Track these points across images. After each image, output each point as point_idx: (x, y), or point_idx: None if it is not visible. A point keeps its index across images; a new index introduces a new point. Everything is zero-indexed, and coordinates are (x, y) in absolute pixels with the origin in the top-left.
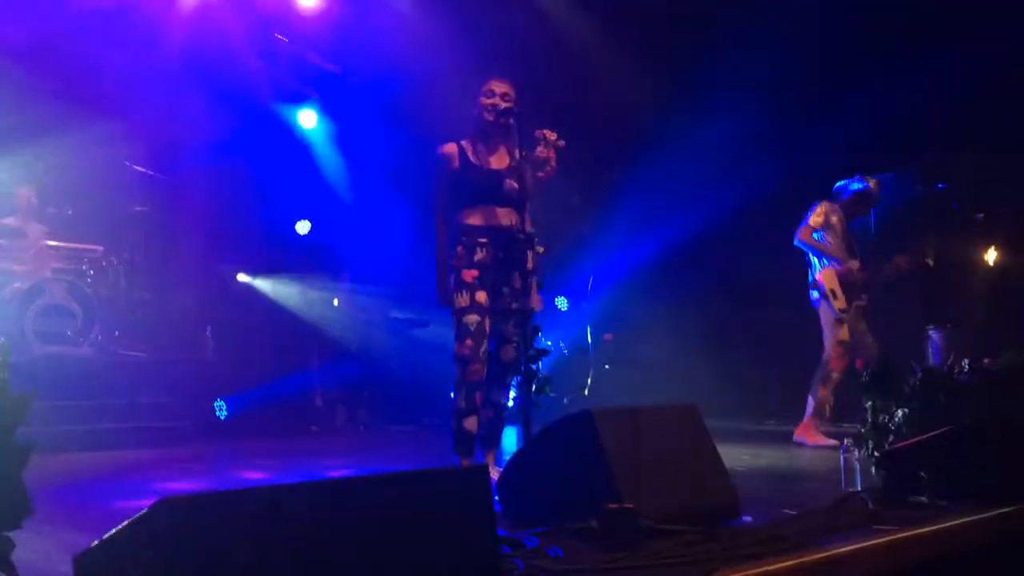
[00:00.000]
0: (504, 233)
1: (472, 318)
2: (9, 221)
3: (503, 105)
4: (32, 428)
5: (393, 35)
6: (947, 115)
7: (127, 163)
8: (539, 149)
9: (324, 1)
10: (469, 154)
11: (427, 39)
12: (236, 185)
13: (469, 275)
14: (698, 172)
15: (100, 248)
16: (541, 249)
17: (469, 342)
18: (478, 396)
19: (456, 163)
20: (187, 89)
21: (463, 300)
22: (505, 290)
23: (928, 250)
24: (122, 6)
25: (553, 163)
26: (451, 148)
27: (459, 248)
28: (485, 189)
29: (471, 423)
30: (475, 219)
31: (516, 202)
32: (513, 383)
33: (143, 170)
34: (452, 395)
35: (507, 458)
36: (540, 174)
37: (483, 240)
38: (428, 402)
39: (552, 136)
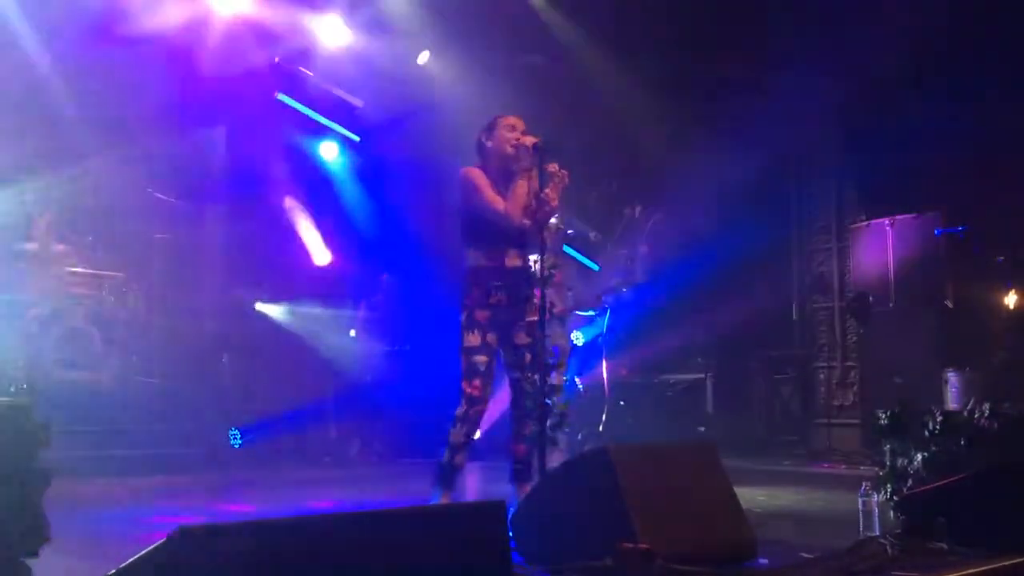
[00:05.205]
0: (515, 274)
1: (482, 359)
2: (30, 246)
3: (529, 141)
4: (50, 453)
5: (415, 70)
6: (968, 157)
7: (150, 190)
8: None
9: (348, 37)
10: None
11: (448, 74)
12: (256, 214)
13: (482, 315)
14: (712, 210)
15: (120, 274)
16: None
17: (478, 382)
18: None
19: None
20: (210, 118)
21: (474, 339)
22: (519, 326)
23: (948, 292)
24: (148, 36)
25: (554, 200)
26: (479, 170)
27: (474, 290)
28: (500, 230)
29: (461, 459)
30: (487, 262)
31: (527, 245)
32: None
33: (165, 198)
34: (450, 427)
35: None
36: (546, 208)
37: (497, 283)
38: (441, 435)
39: (552, 168)
